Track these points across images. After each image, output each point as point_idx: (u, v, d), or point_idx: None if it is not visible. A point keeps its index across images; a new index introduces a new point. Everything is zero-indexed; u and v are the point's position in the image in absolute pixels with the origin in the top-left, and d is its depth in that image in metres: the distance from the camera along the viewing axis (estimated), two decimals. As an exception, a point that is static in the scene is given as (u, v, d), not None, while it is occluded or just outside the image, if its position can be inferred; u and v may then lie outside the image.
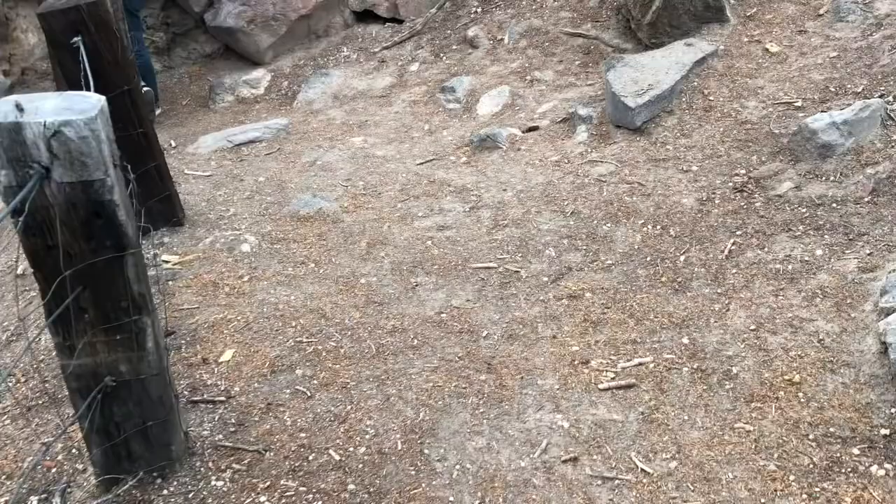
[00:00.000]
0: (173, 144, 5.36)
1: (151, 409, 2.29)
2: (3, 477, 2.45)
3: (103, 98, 2.02)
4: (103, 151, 1.96)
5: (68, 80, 3.51)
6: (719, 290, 3.01)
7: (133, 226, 2.14)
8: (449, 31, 6.20)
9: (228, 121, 5.79)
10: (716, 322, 2.84)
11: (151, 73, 5.98)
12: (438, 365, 2.80)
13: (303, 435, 2.52)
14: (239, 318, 3.14)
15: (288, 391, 2.72)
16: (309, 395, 2.70)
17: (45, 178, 1.96)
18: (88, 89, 3.47)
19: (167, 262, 3.67)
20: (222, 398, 2.70)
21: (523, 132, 4.64)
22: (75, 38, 3.36)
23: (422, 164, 4.55)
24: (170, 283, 3.48)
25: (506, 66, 5.52)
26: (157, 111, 6.04)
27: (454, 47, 6.02)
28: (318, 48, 6.53)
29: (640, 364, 2.71)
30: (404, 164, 4.58)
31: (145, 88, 5.70)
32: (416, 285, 3.32)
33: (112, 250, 2.09)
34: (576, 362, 2.75)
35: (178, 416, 2.45)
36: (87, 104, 1.96)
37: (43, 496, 2.36)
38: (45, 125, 1.89)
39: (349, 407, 2.63)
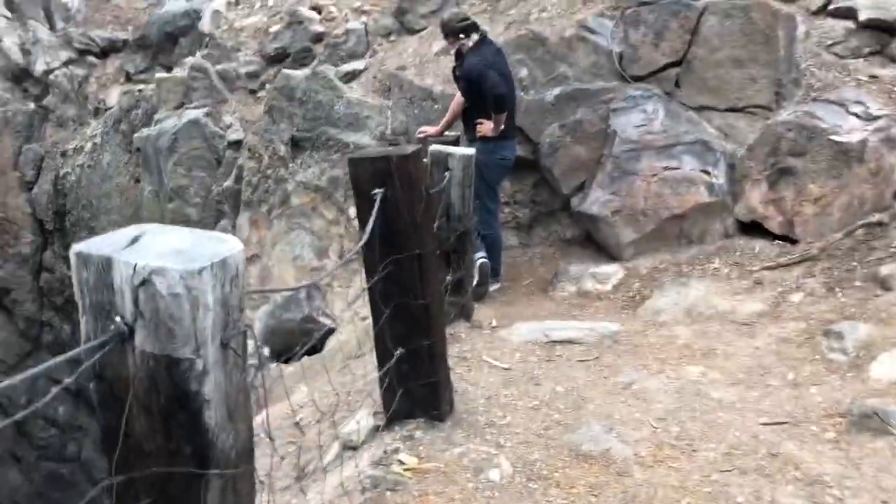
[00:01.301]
0: (493, 324, 4.85)
1: None
2: None
3: (238, 248, 1.44)
4: (199, 320, 1.35)
5: (362, 231, 3.17)
6: None
7: (239, 437, 1.49)
8: (854, 264, 4.91)
9: (560, 312, 5.16)
10: None
11: (498, 247, 5.66)
12: None
13: None
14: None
15: None
16: None
17: (127, 340, 1.40)
18: (372, 246, 3.08)
19: (402, 464, 2.99)
20: None
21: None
22: (377, 190, 3.01)
23: (768, 424, 3.34)
24: (388, 493, 2.78)
25: (928, 321, 4.07)
26: (494, 286, 5.67)
27: (856, 284, 4.71)
28: (685, 254, 5.66)
29: None
30: (743, 417, 3.41)
31: (482, 260, 5.38)
32: None
33: (190, 462, 1.44)
34: None
35: None
36: (209, 250, 1.39)
37: None
38: (135, 269, 1.35)
39: None
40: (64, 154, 10.00)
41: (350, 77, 6.92)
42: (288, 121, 6.66)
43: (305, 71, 6.81)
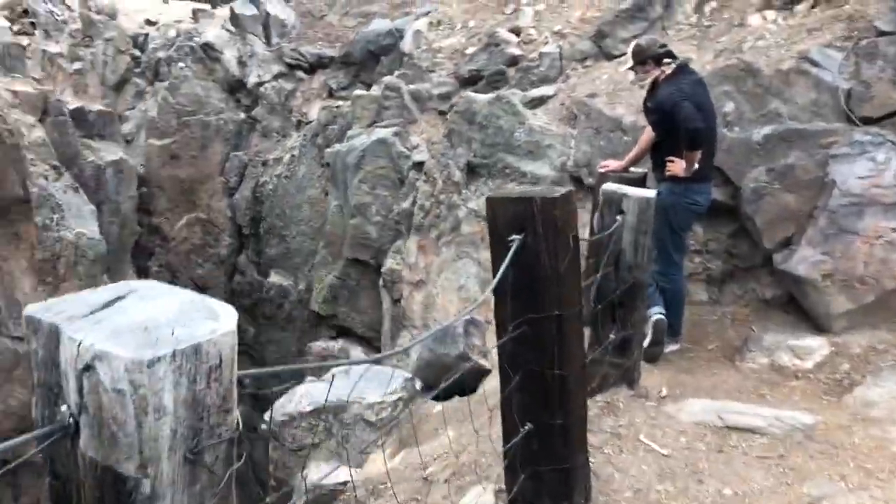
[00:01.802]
0: (662, 393, 4.22)
1: None
2: None
3: (227, 328, 1.06)
4: (147, 427, 0.98)
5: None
6: None
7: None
8: None
9: (745, 388, 4.40)
10: None
11: (680, 302, 4.98)
12: None
13: None
14: None
15: None
16: None
17: (74, 436, 1.06)
18: (504, 299, 2.63)
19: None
20: None
21: None
22: (515, 236, 2.57)
23: None
24: None
25: None
26: (671, 347, 4.99)
27: None
28: (912, 335, 4.67)
29: None
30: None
31: (658, 316, 4.74)
32: None
33: None
34: None
35: None
36: (182, 331, 1.02)
37: None
38: (79, 349, 1.00)
39: None
40: (265, 163, 10.43)
41: (537, 103, 6.51)
42: (466, 145, 6.37)
43: (489, 95, 6.50)
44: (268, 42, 11.26)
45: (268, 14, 11.36)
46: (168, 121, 11.14)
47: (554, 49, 7.10)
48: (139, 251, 12.21)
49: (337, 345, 8.97)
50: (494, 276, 2.62)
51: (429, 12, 9.97)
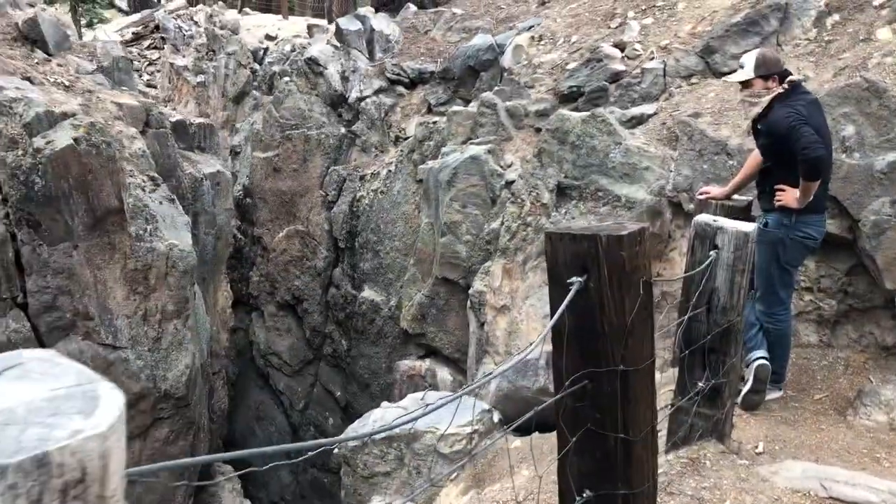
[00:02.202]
0: (759, 449, 3.78)
1: None
2: None
3: (101, 427, 0.82)
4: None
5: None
6: None
7: None
8: None
9: (857, 450, 3.88)
10: None
11: (785, 346, 4.49)
12: None
13: None
14: None
15: None
16: None
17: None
18: (560, 349, 2.32)
19: None
20: None
21: None
22: (576, 278, 2.26)
23: None
24: None
25: None
26: (773, 395, 4.50)
27: None
28: None
29: None
30: None
31: (761, 361, 4.28)
32: None
33: None
34: None
35: None
36: (30, 432, 0.80)
37: None
38: None
39: None
40: (362, 178, 10.40)
41: (636, 122, 6.10)
42: (557, 166, 6.03)
43: (583, 113, 6.13)
44: (371, 57, 11.27)
45: (372, 29, 11.39)
46: (272, 134, 11.32)
47: (657, 65, 6.66)
48: (241, 261, 12.48)
49: (424, 364, 8.78)
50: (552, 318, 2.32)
51: (532, 27, 9.70)
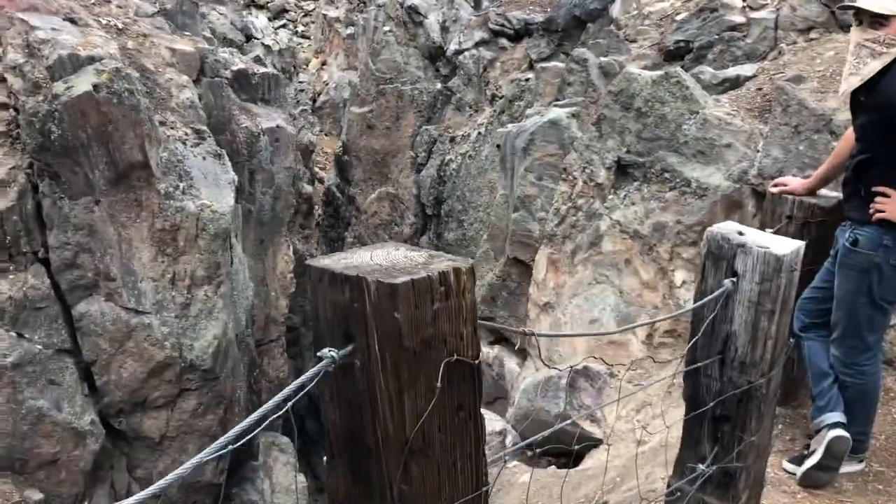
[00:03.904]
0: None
1: None
2: None
3: None
4: None
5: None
6: None
7: None
8: None
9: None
10: None
11: (871, 404, 3.23)
12: None
13: None
14: None
15: None
16: None
17: None
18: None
19: None
20: None
21: None
22: (328, 351, 1.31)
23: None
24: None
25: None
26: (853, 467, 3.29)
27: None
28: None
29: None
30: None
31: (839, 432, 3.12)
32: None
33: None
34: None
35: None
36: None
37: None
38: None
39: None
40: (452, 140, 9.51)
41: (729, 86, 4.80)
42: (618, 137, 4.84)
43: (655, 72, 4.87)
44: (476, 6, 10.26)
45: (481, -25, 10.37)
46: (367, 88, 10.64)
47: (768, 14, 5.25)
48: (338, 220, 12.00)
49: (492, 352, 7.88)
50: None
51: (650, -29, 8.32)
